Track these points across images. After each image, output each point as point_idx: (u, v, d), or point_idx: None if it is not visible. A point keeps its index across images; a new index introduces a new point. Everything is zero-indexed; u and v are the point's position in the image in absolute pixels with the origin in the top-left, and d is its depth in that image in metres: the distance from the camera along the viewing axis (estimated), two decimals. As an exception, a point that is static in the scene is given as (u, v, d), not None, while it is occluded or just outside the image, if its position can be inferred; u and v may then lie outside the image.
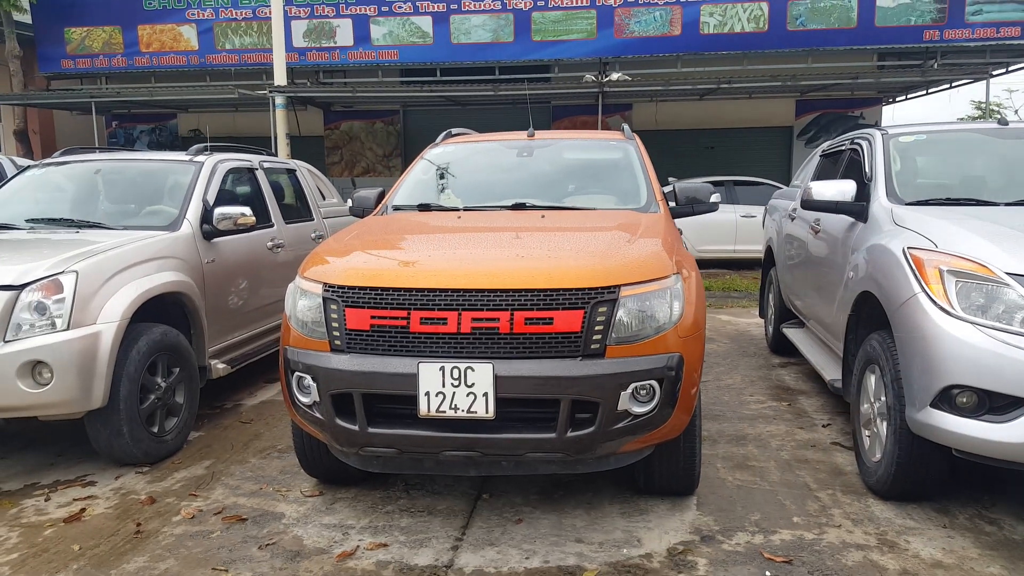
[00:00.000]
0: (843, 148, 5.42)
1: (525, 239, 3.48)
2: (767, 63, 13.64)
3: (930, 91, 14.81)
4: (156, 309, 4.27)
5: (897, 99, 16.15)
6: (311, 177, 7.05)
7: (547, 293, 2.94)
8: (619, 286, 2.99)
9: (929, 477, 3.40)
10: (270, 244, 5.68)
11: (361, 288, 3.08)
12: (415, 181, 4.67)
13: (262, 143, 14.76)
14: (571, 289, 2.95)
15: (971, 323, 3.01)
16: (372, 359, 3.02)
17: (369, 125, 16.64)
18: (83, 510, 3.59)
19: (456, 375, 2.91)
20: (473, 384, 2.90)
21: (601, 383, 2.90)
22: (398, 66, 14.26)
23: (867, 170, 4.49)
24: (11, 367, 3.57)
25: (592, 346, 2.93)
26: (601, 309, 2.94)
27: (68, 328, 3.68)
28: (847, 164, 5.20)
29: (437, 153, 4.89)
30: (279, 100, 12.42)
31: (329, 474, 3.78)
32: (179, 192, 5.04)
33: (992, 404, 2.96)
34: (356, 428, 3.05)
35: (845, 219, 4.51)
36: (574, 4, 13.63)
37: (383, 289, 3.05)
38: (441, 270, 3.06)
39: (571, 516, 3.46)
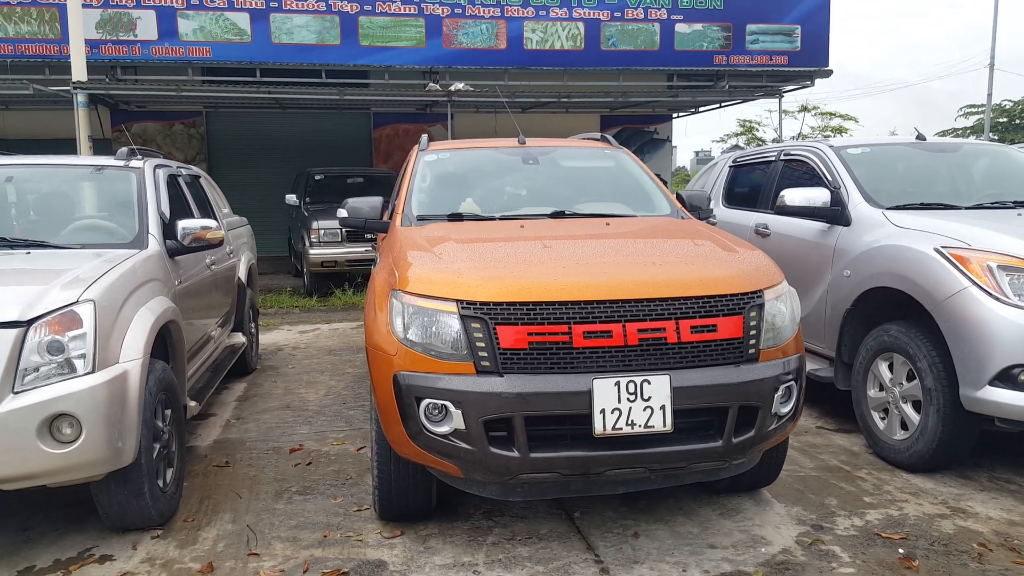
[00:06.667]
0: (770, 160, 5.93)
1: (630, 247, 3.43)
2: (584, 80, 14.39)
3: (713, 108, 16.57)
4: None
5: (682, 115, 17.83)
6: (208, 186, 6.28)
7: (708, 300, 2.94)
8: (763, 290, 3.07)
9: (964, 449, 3.88)
10: (208, 261, 5.00)
11: (510, 304, 2.85)
12: (422, 189, 4.36)
13: (41, 146, 12.75)
14: (730, 295, 2.97)
15: (1027, 310, 3.49)
16: (534, 379, 2.81)
17: (167, 127, 15.00)
18: (129, 591, 2.94)
19: (632, 389, 2.80)
20: (650, 397, 2.81)
21: (762, 387, 2.95)
22: (210, 64, 13.03)
23: (830, 178, 4.98)
24: (28, 424, 2.81)
25: (750, 351, 2.98)
26: (753, 314, 3.01)
27: (94, 370, 2.98)
28: (782, 174, 5.71)
29: (433, 160, 4.61)
30: (81, 98, 10.81)
31: (409, 513, 3.43)
32: (122, 203, 4.28)
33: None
34: (516, 455, 2.82)
35: (814, 224, 4.97)
36: (402, 11, 13.40)
37: (537, 303, 2.85)
38: (600, 281, 2.93)
39: (678, 524, 3.46)
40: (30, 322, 2.91)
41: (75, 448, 2.89)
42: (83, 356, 2.97)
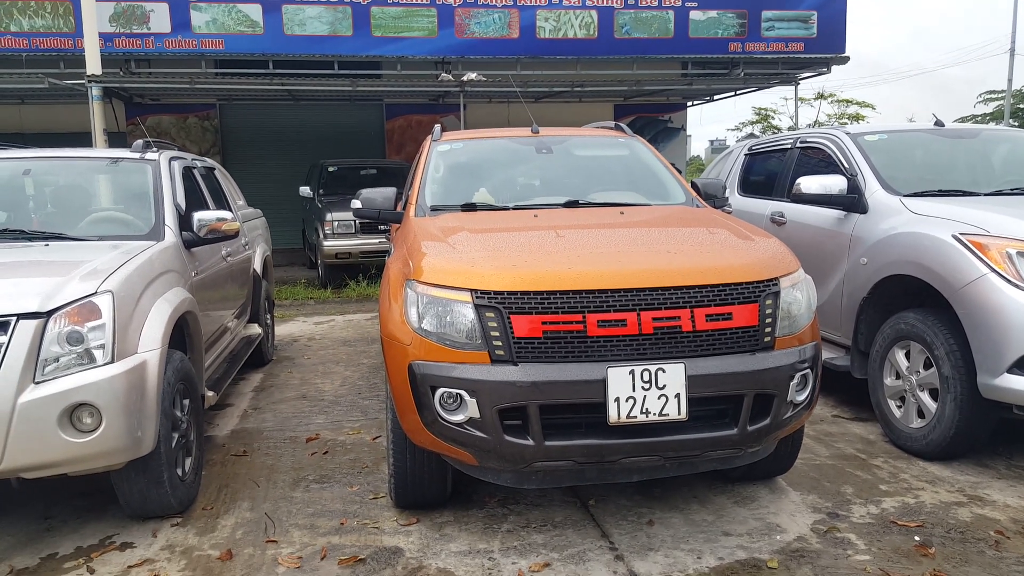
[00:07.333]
0: (786, 147, 5.89)
1: (645, 235, 3.42)
2: (598, 68, 14.32)
3: (728, 96, 16.46)
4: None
5: (697, 103, 17.73)
6: (223, 178, 6.32)
7: (724, 288, 2.93)
8: (778, 278, 3.06)
9: (981, 437, 3.85)
10: (224, 253, 5.03)
11: (524, 293, 2.86)
12: (435, 180, 4.37)
13: (57, 140, 12.86)
14: (745, 283, 2.96)
15: (1047, 297, 3.46)
16: (548, 368, 2.82)
17: (181, 120, 15.09)
18: (156, 577, 2.99)
19: (647, 377, 2.80)
20: (664, 386, 2.81)
21: (777, 375, 2.95)
22: (223, 56, 13.09)
23: (847, 166, 4.93)
24: (50, 413, 2.85)
25: (765, 339, 2.97)
26: (768, 302, 2.99)
27: (112, 360, 3.01)
28: (798, 162, 5.67)
29: (446, 151, 4.62)
30: (95, 91, 10.88)
31: (424, 501, 3.46)
32: (138, 195, 4.31)
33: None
34: (530, 443, 2.83)
35: (830, 212, 4.93)
36: (414, 1, 13.40)
37: (551, 292, 2.86)
38: (614, 270, 2.93)
39: (693, 512, 3.47)
40: (50, 313, 2.95)
41: (95, 437, 2.94)
42: (102, 346, 3.01)
